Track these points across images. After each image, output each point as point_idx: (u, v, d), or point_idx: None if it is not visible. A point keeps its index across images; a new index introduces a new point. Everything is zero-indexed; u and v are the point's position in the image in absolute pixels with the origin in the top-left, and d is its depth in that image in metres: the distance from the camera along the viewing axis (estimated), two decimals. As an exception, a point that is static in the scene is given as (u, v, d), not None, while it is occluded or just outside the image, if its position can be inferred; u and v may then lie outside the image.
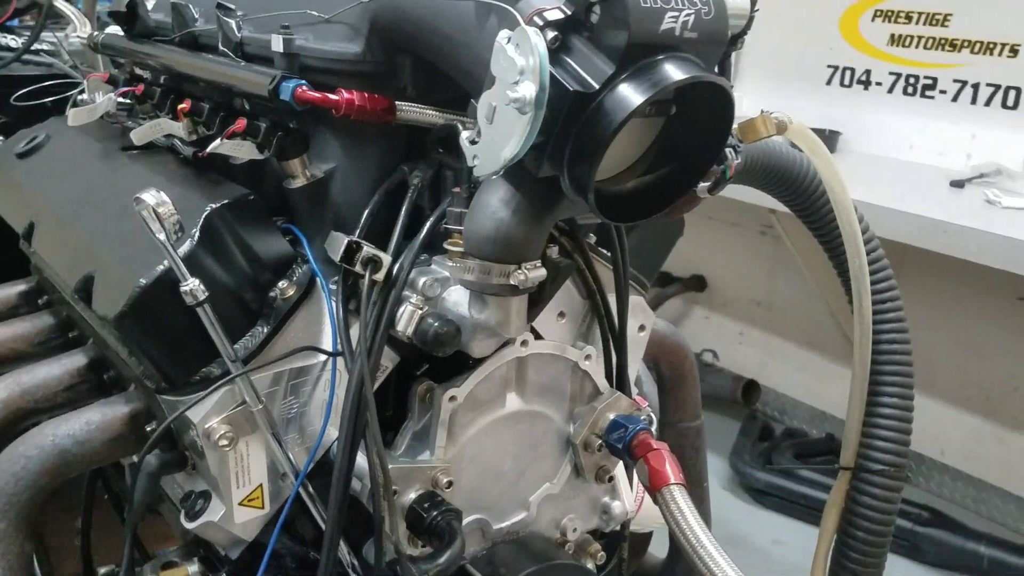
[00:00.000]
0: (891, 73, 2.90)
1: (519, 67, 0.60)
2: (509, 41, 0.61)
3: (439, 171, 0.84)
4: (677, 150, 0.70)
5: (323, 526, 0.76)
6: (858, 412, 1.11)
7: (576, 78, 0.62)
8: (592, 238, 0.94)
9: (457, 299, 0.76)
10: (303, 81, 0.76)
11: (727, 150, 0.72)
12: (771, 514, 2.74)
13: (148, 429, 0.80)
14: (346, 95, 0.76)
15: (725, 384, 3.31)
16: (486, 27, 0.67)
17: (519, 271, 0.71)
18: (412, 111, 0.79)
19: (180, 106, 0.90)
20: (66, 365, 0.91)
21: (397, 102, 0.78)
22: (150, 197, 0.67)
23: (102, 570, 0.95)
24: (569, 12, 0.63)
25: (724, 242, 3.49)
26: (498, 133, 0.63)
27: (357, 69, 0.79)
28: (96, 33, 1.15)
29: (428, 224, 0.78)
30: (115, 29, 1.13)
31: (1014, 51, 2.56)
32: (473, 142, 0.66)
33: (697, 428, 1.20)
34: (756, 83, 3.30)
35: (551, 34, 0.63)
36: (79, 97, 1.23)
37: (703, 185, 0.76)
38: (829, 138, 2.99)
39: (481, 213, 0.71)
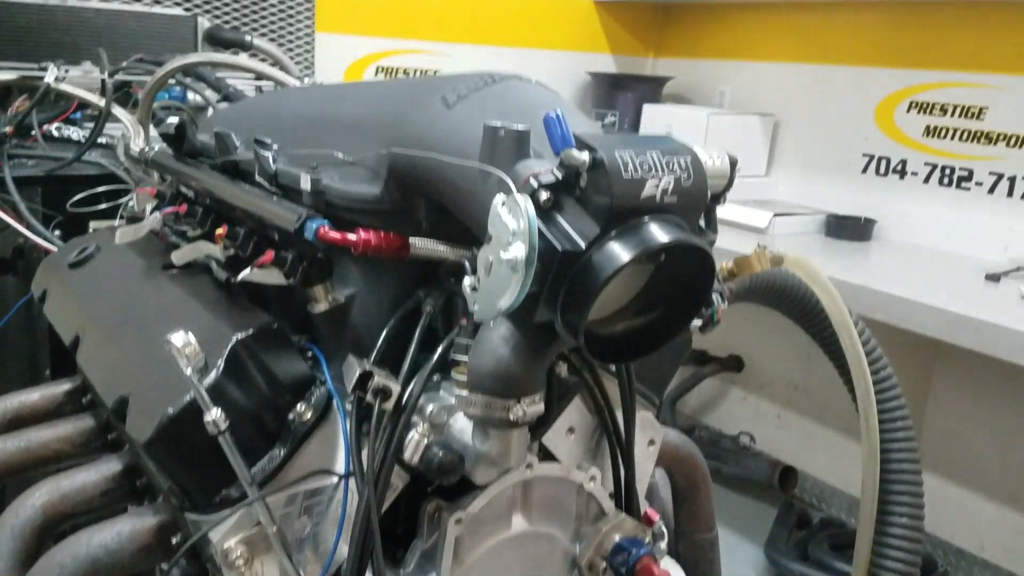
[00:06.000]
0: (927, 163, 2.93)
1: (511, 229, 0.66)
2: (503, 205, 0.67)
3: (451, 297, 0.89)
4: (665, 296, 0.75)
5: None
6: (868, 534, 1.12)
7: (566, 236, 0.68)
8: (601, 356, 0.99)
9: (462, 427, 0.81)
10: (325, 221, 0.83)
11: (714, 295, 0.77)
12: (806, 607, 2.69)
13: (174, 541, 0.85)
14: (363, 235, 0.82)
15: (762, 469, 3.27)
16: (488, 182, 0.74)
17: (518, 406, 0.76)
18: (425, 248, 0.85)
19: (218, 231, 0.98)
20: (103, 471, 0.97)
21: (411, 239, 0.84)
22: (178, 339, 0.74)
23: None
24: (560, 176, 0.69)
25: (762, 323, 3.48)
26: (494, 285, 0.68)
27: (376, 208, 0.85)
28: (147, 149, 1.24)
29: (436, 355, 0.83)
30: (165, 146, 1.23)
31: (1050, 146, 2.57)
32: (474, 288, 0.72)
33: (711, 540, 1.21)
34: (792, 170, 3.35)
35: (545, 195, 0.68)
36: (129, 203, 1.33)
37: (695, 324, 0.81)
38: (865, 226, 3.01)
39: (484, 349, 0.76)
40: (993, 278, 2.47)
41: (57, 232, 1.52)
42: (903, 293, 2.30)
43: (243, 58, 1.43)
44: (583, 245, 0.67)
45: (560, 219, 0.69)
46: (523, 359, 0.75)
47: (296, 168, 0.94)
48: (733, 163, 0.76)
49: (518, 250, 0.66)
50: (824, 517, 3.06)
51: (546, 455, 0.94)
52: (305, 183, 0.88)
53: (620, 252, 0.67)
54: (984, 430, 2.74)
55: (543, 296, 0.69)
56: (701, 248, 0.69)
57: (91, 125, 2.00)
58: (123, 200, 1.31)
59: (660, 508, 1.19)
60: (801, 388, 3.40)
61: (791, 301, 1.06)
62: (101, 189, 1.42)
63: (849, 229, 2.98)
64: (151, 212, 1.23)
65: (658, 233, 0.67)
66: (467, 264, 0.83)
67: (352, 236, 0.82)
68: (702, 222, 0.76)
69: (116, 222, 1.40)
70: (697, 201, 0.71)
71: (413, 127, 0.82)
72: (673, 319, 0.75)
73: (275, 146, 0.98)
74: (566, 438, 0.97)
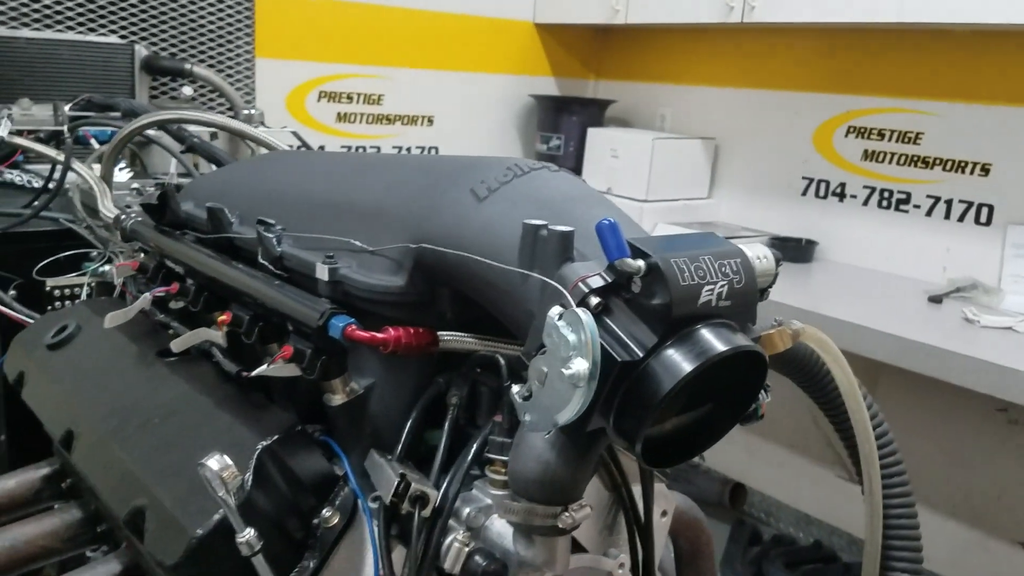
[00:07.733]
0: (865, 187, 3.01)
1: (571, 343, 0.64)
2: (561, 318, 0.65)
3: (474, 385, 0.87)
4: (713, 389, 0.74)
5: None
6: (871, 584, 1.13)
7: (622, 345, 0.66)
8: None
9: (501, 530, 0.79)
10: (351, 319, 0.80)
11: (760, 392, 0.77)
12: (764, 626, 2.74)
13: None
14: (393, 332, 0.79)
15: (712, 487, 3.32)
16: (529, 283, 0.72)
17: (566, 514, 0.74)
18: (454, 341, 0.82)
19: (220, 318, 0.93)
20: (101, 575, 0.92)
21: (439, 332, 0.82)
22: (215, 463, 0.70)
23: None
24: (610, 280, 0.67)
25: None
26: (551, 398, 0.66)
27: (400, 300, 0.83)
28: (124, 217, 1.17)
29: (471, 455, 0.80)
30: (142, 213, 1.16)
31: (985, 170, 2.68)
32: (525, 398, 0.69)
33: (713, 599, 1.22)
34: (734, 192, 3.40)
35: (595, 300, 0.67)
36: (103, 268, 1.26)
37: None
38: (806, 247, 3.08)
39: (526, 454, 0.74)
40: (936, 300, 2.56)
41: (12, 292, 1.44)
42: (850, 317, 2.36)
43: (219, 117, 1.37)
44: (640, 353, 0.66)
45: (612, 325, 0.67)
46: (571, 464, 0.73)
47: (306, 252, 0.90)
48: (778, 260, 0.75)
49: (580, 365, 0.64)
50: (776, 534, 3.12)
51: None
52: (322, 272, 0.85)
53: (681, 363, 0.65)
54: (927, 446, 2.83)
55: (597, 405, 0.68)
56: (758, 353, 0.68)
57: (34, 168, 1.90)
58: (93, 266, 1.24)
59: (664, 572, 1.19)
60: (747, 405, 3.45)
61: (800, 368, 1.07)
62: (65, 254, 1.34)
63: (791, 251, 3.05)
64: (121, 281, 1.18)
65: (717, 342, 0.66)
66: (501, 360, 0.81)
67: (381, 335, 0.79)
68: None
69: (84, 283, 1.34)
70: (749, 303, 0.71)
71: (443, 221, 0.79)
72: (722, 416, 0.75)
73: (279, 227, 0.94)
74: (584, 516, 0.95)
